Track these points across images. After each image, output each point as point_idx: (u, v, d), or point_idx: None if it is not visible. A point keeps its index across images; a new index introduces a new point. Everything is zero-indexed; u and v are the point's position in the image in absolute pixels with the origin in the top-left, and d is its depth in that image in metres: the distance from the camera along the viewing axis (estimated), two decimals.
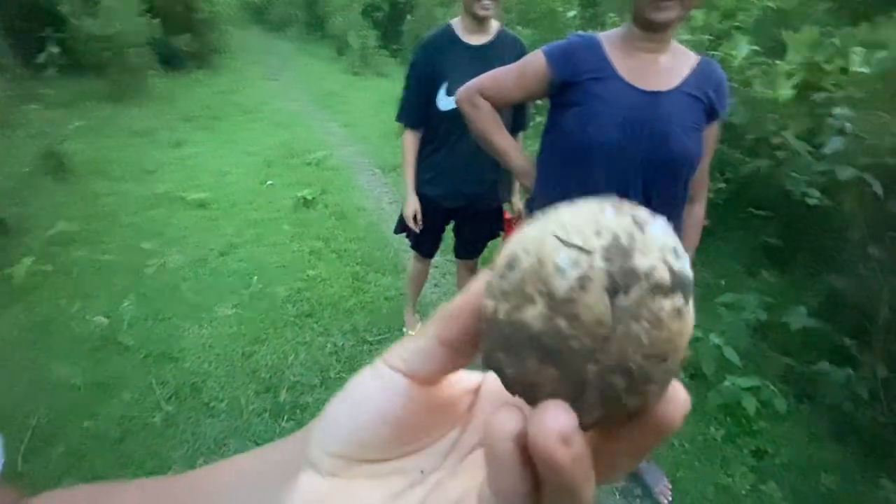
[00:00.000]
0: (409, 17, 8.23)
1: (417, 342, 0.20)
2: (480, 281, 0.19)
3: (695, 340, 2.02)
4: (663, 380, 0.16)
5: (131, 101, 5.51)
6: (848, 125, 1.56)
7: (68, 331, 2.27)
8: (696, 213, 1.25)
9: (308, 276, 2.78)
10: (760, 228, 2.79)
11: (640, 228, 0.16)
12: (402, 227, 1.97)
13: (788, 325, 2.04)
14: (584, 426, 0.16)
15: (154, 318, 2.39)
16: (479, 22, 1.60)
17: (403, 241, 2.18)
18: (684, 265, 0.16)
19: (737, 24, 2.87)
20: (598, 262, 0.15)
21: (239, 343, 2.28)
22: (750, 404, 1.91)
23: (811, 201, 1.89)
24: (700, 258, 2.81)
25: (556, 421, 0.15)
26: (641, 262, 0.15)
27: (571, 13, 5.03)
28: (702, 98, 1.09)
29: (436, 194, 1.76)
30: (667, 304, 0.15)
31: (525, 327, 0.16)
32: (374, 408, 0.20)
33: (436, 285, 2.75)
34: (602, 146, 1.07)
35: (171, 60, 6.59)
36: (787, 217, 2.68)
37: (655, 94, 1.06)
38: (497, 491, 0.17)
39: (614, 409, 0.16)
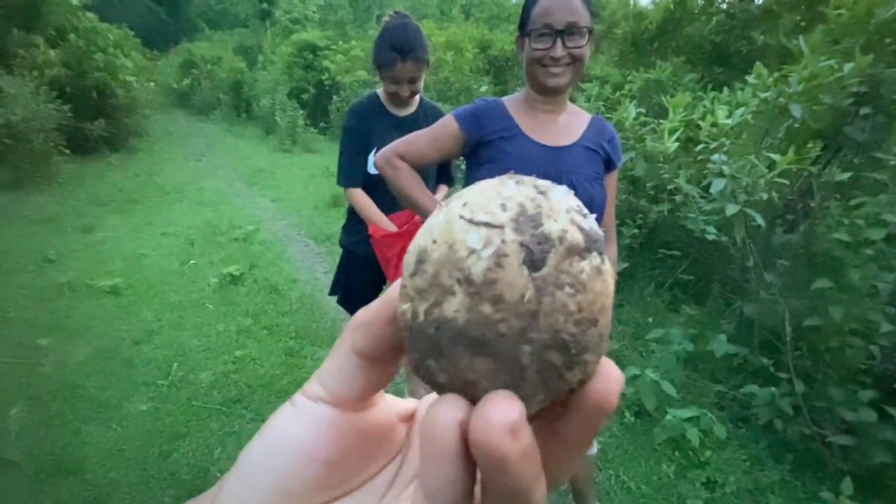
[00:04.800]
0: (335, 97, 8.59)
1: (333, 361, 0.18)
2: (395, 285, 0.17)
3: (633, 378, 2.08)
4: (597, 346, 0.15)
5: (34, 188, 5.11)
6: (725, 168, 1.80)
7: None
8: (610, 253, 1.34)
9: (236, 357, 2.58)
10: (674, 266, 3.04)
11: (542, 194, 0.15)
12: (335, 287, 1.91)
13: (713, 352, 2.17)
14: (529, 417, 0.14)
15: (48, 424, 2.06)
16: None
17: (341, 309, 2.10)
18: (593, 223, 0.16)
19: (624, 93, 3.31)
20: (510, 235, 0.14)
21: (154, 442, 2.00)
22: (693, 435, 1.96)
23: (710, 237, 2.11)
24: (627, 298, 2.99)
25: (503, 411, 0.13)
26: (552, 226, 0.14)
27: (483, 88, 5.56)
28: (598, 150, 1.21)
29: (368, 253, 1.75)
30: (585, 265, 0.15)
31: (448, 323, 0.14)
32: (297, 447, 0.17)
33: None
34: None
35: (81, 145, 6.27)
36: (694, 254, 2.95)
37: (558, 149, 1.17)
38: (430, 492, 0.14)
39: (556, 389, 0.15)
